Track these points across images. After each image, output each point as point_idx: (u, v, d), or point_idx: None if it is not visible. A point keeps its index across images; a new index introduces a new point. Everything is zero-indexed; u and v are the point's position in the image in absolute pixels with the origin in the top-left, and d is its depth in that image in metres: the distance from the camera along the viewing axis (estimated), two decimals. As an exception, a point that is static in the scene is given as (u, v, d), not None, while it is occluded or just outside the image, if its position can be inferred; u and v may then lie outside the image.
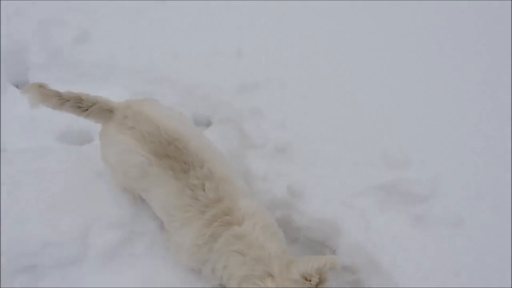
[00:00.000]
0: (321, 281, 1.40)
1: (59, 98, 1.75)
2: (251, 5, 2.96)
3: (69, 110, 1.79)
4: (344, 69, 2.63)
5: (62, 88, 2.30)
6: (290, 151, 2.25)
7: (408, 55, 2.78)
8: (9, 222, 2.05)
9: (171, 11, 2.93)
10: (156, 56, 2.64)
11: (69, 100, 1.77)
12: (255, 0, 3.00)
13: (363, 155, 2.21)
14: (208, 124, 2.52)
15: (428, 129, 2.36)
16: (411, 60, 2.74)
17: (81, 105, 1.79)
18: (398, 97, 2.51)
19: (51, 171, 2.23)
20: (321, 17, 2.94)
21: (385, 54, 2.75)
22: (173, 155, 1.63)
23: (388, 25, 2.94)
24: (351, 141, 2.28)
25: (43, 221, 2.08)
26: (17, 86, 2.66)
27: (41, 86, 1.73)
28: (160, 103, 1.93)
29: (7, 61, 2.67)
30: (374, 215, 2.05)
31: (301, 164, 2.21)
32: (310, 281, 1.36)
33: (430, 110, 2.46)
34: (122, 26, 2.82)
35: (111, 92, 2.33)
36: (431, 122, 2.40)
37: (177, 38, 2.77)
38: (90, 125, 2.32)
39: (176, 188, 1.61)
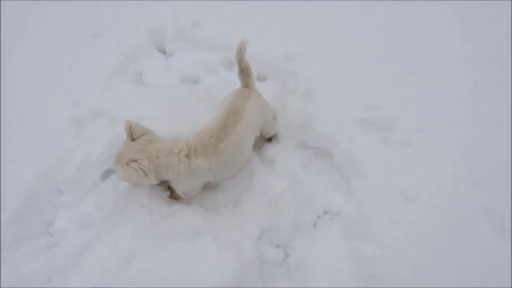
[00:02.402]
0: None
1: (241, 57, 2.33)
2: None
3: (240, 67, 2.37)
4: (346, 48, 3.13)
5: (183, 53, 3.36)
6: (312, 95, 2.85)
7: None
8: (152, 122, 2.67)
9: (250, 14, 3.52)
10: (234, 38, 3.01)
11: (242, 62, 2.36)
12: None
13: (354, 101, 2.80)
14: (264, 79, 3.15)
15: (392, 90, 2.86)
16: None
17: (245, 72, 2.40)
18: (380, 69, 2.98)
19: (176, 97, 2.98)
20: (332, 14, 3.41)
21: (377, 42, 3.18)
22: None
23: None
24: (348, 93, 2.84)
25: (170, 122, 2.80)
26: (159, 50, 3.46)
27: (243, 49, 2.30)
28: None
29: (153, 37, 3.45)
30: (357, 136, 2.66)
31: (318, 104, 2.81)
32: None
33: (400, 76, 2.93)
34: (221, 17, 3.47)
35: (208, 56, 3.31)
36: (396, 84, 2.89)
37: (247, 28, 3.36)
38: (199, 75, 3.25)
39: None
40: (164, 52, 3.48)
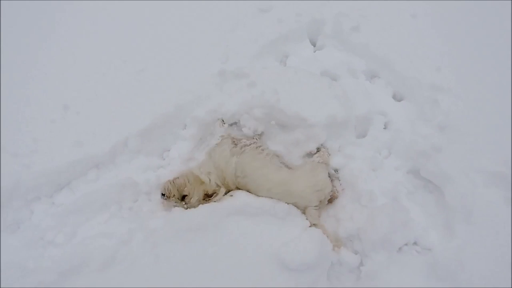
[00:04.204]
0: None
1: None
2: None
3: None
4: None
5: (332, 51, 3.53)
6: (445, 130, 2.84)
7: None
8: (283, 97, 3.07)
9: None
10: (388, 51, 3.36)
11: None
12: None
13: (490, 151, 2.70)
14: (401, 99, 3.23)
15: None
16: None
17: None
18: None
19: (313, 85, 3.15)
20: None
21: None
22: None
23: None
24: (487, 141, 2.74)
25: (300, 105, 3.02)
26: (310, 41, 3.68)
27: None
28: None
29: (311, 27, 3.67)
30: (480, 186, 2.60)
31: (449, 139, 2.81)
32: None
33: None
34: (382, 28, 3.54)
35: (354, 61, 3.47)
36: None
37: (402, 44, 3.41)
38: (339, 74, 3.37)
39: None
40: (314, 45, 3.70)
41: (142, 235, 2.49)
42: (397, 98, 3.27)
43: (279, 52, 3.60)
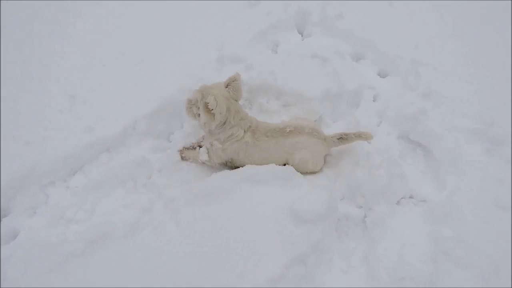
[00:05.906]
0: None
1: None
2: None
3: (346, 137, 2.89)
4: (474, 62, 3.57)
5: (319, 37, 3.90)
6: (429, 96, 3.26)
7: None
8: (279, 76, 3.44)
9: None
10: (370, 34, 3.85)
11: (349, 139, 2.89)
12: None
13: (468, 111, 3.14)
14: (385, 75, 3.61)
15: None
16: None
17: (343, 138, 2.90)
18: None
19: (305, 66, 3.55)
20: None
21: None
22: None
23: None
24: (464, 103, 3.20)
25: (295, 82, 3.37)
26: (297, 30, 4.06)
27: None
28: None
29: (298, 17, 4.03)
30: (462, 141, 2.99)
31: (433, 104, 3.21)
32: None
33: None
34: (364, 15, 4.03)
35: (341, 45, 3.88)
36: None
37: (383, 26, 3.91)
38: (328, 57, 3.91)
39: None
40: (301, 34, 4.08)
41: (162, 203, 2.68)
42: (382, 75, 3.63)
43: (270, 41, 3.94)
